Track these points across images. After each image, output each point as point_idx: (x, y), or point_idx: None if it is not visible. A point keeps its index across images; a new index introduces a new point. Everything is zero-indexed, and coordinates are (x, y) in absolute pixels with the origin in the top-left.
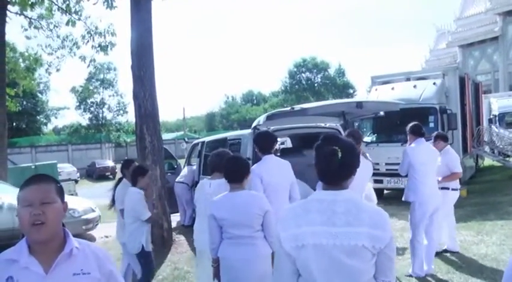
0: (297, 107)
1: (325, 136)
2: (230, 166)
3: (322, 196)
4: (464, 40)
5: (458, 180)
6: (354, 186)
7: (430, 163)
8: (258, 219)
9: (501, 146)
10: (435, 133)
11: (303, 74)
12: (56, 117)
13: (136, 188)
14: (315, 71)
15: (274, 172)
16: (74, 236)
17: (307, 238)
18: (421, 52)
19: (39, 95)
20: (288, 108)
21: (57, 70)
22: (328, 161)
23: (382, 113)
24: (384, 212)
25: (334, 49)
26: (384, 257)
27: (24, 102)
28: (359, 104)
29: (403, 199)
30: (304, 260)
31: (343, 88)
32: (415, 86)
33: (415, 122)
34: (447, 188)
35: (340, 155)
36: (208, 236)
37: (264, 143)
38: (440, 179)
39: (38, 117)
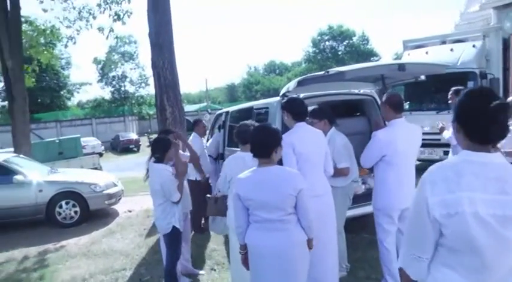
0: (333, 70)
1: (476, 90)
2: (257, 137)
3: (473, 158)
4: (500, 0)
5: None
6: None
7: None
8: (290, 199)
9: None
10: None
11: (326, 43)
12: (78, 92)
13: (163, 165)
14: (339, 39)
15: (307, 141)
16: (96, 210)
17: (464, 205)
18: (450, 18)
19: (61, 70)
20: (322, 72)
21: (74, 43)
22: (494, 118)
23: (423, 77)
24: None
25: (358, 17)
26: None
27: (47, 78)
28: (401, 66)
29: None
30: (459, 231)
31: (368, 56)
32: (451, 50)
33: (459, 87)
34: None
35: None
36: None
37: (298, 108)
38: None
39: (62, 93)
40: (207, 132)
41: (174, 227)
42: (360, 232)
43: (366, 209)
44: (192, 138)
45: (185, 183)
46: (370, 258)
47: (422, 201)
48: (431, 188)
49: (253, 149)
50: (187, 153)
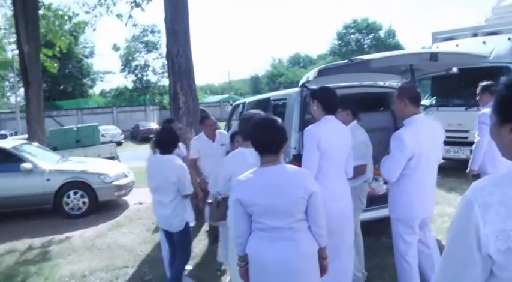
0: (357, 58)
1: None
2: (263, 132)
3: None
4: None
5: None
6: None
7: None
8: (301, 204)
9: None
10: None
11: (352, 36)
12: (101, 81)
13: (174, 156)
14: (365, 32)
15: (334, 137)
16: (105, 202)
17: None
18: (481, 12)
19: (84, 59)
20: (345, 61)
21: (94, 29)
22: None
23: (455, 69)
24: None
25: (385, 10)
26: None
27: (70, 66)
28: (433, 56)
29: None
30: None
31: (394, 50)
32: (484, 42)
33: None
34: None
35: None
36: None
37: (331, 99)
38: None
39: (84, 81)
40: (219, 129)
41: (187, 223)
42: (379, 236)
43: (387, 212)
44: (193, 141)
45: None
46: (390, 265)
47: (469, 231)
48: (484, 213)
49: (258, 145)
50: (185, 152)
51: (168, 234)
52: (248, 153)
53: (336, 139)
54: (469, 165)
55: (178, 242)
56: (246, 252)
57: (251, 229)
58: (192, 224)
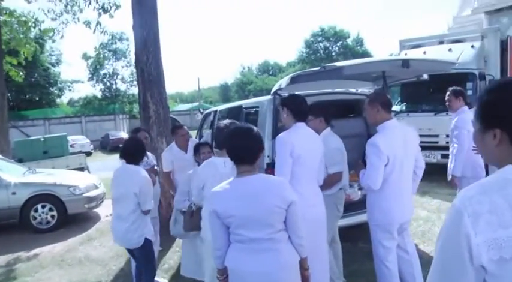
0: (330, 65)
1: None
2: (239, 141)
3: None
4: (492, 5)
5: None
6: None
7: None
8: (279, 214)
9: None
10: None
11: (320, 44)
12: (69, 90)
13: (140, 167)
14: (333, 40)
15: (306, 144)
16: (75, 215)
17: None
18: (443, 21)
19: (51, 67)
20: (318, 68)
21: (61, 37)
22: None
23: (426, 76)
24: None
25: (351, 19)
26: None
27: (36, 75)
28: (405, 62)
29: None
30: None
31: (363, 57)
32: (450, 50)
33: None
34: None
35: None
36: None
37: (300, 106)
38: None
39: (51, 90)
40: (191, 139)
41: (146, 238)
42: (356, 242)
43: (363, 217)
44: (164, 153)
45: (156, 186)
46: (368, 271)
47: (460, 242)
48: (474, 222)
49: (234, 154)
50: (154, 161)
51: (130, 250)
52: (220, 163)
53: (308, 146)
54: (450, 172)
55: (141, 257)
56: (225, 264)
57: (229, 241)
58: (152, 239)
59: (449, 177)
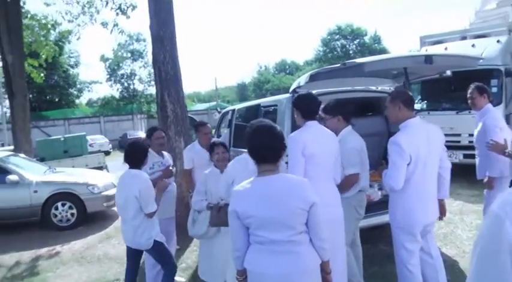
0: (350, 62)
1: None
2: (261, 139)
3: None
4: None
5: None
6: None
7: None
8: (301, 216)
9: None
10: None
11: (337, 42)
12: (88, 91)
13: (141, 171)
14: (350, 38)
15: (319, 142)
16: (95, 213)
17: None
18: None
19: (70, 68)
20: (338, 65)
21: (78, 38)
22: None
23: (449, 72)
24: None
25: (368, 16)
26: None
27: (56, 76)
28: (428, 58)
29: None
30: None
31: (381, 54)
32: (473, 45)
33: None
34: None
35: None
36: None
37: (308, 105)
38: None
39: (71, 91)
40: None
41: (155, 241)
42: (376, 244)
43: (384, 218)
44: (185, 151)
45: (171, 186)
46: (388, 273)
47: (502, 250)
48: None
49: (256, 153)
50: (170, 161)
51: (130, 251)
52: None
53: (321, 144)
54: (480, 173)
55: (156, 258)
56: (244, 266)
57: (249, 242)
58: (162, 240)
59: (485, 179)
